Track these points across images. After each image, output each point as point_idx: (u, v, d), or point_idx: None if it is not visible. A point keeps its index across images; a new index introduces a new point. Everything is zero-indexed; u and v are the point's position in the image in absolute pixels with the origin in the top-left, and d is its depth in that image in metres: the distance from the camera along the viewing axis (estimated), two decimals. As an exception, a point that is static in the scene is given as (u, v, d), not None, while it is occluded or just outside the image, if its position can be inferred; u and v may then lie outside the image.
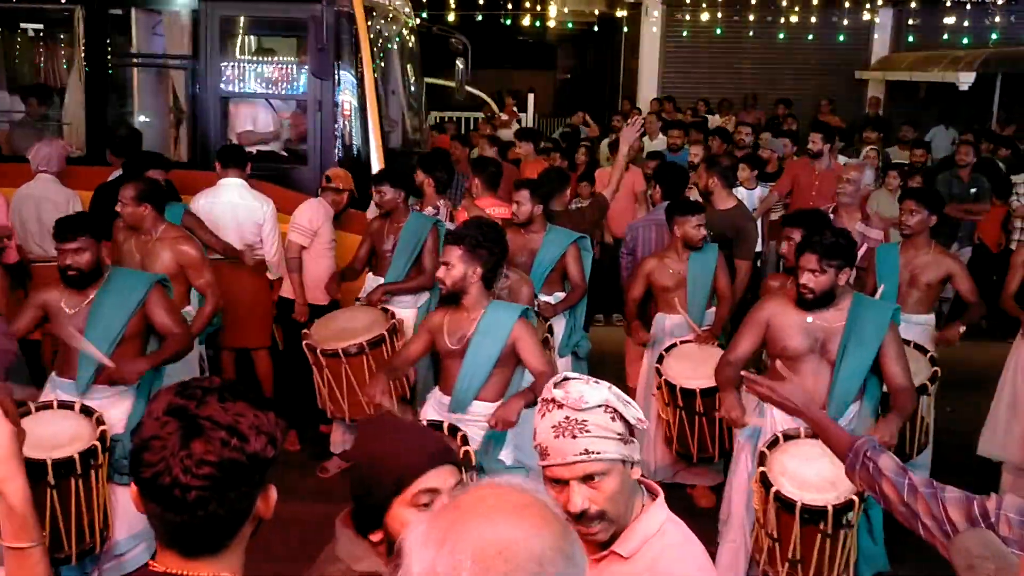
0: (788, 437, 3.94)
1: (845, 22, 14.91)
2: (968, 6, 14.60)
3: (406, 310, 5.54)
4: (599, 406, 1.89)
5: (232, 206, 5.92)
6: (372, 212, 6.18)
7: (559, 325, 5.52)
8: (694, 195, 6.46)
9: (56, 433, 3.95)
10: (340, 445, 5.70)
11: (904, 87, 14.61)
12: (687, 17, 15.24)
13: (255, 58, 7.66)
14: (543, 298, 5.40)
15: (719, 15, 14.79)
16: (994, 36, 14.61)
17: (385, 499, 1.98)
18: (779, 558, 3.81)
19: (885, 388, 4.22)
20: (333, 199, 6.04)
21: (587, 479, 1.87)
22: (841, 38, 15.07)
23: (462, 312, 4.11)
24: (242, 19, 7.62)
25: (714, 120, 12.53)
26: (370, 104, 6.74)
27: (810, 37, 15.13)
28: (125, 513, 4.11)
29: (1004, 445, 5.29)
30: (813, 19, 14.82)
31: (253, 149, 6.81)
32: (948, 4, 14.61)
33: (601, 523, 1.90)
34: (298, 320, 5.81)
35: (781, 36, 14.88)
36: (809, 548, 3.71)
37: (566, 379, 1.95)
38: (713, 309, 5.51)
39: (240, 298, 5.87)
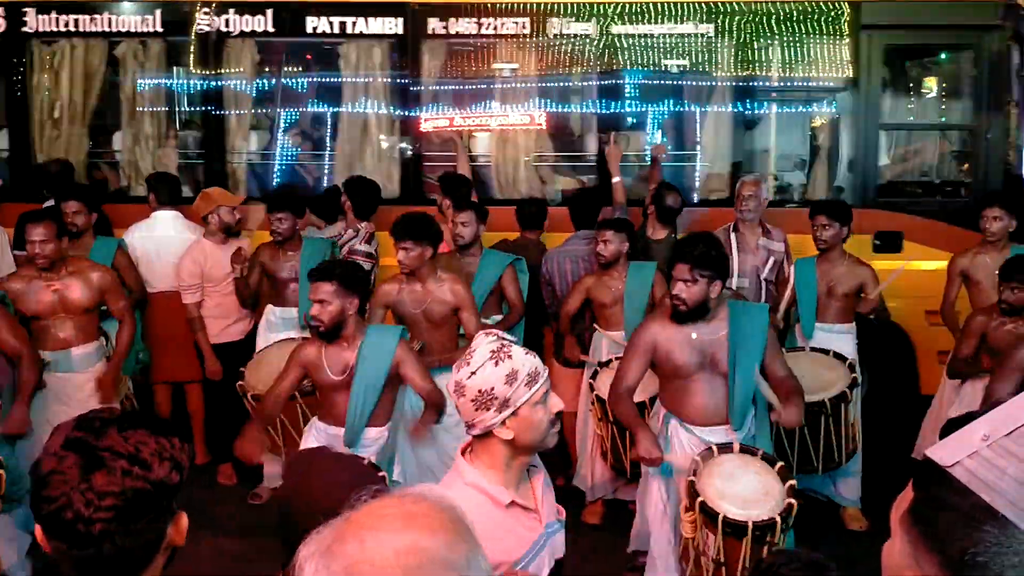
0: (704, 458, 3.88)
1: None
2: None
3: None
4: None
5: (166, 239, 5.89)
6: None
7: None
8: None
9: None
10: (275, 478, 5.65)
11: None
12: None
13: (916, 86, 7.08)
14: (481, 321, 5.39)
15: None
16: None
17: (298, 538, 1.98)
18: None
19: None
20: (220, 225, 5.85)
21: None
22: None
23: (341, 343, 4.14)
24: (905, 47, 6.91)
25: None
26: None
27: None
28: (11, 539, 4.13)
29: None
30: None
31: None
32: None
33: None
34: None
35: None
36: (756, 563, 3.70)
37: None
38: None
39: (171, 332, 5.81)
